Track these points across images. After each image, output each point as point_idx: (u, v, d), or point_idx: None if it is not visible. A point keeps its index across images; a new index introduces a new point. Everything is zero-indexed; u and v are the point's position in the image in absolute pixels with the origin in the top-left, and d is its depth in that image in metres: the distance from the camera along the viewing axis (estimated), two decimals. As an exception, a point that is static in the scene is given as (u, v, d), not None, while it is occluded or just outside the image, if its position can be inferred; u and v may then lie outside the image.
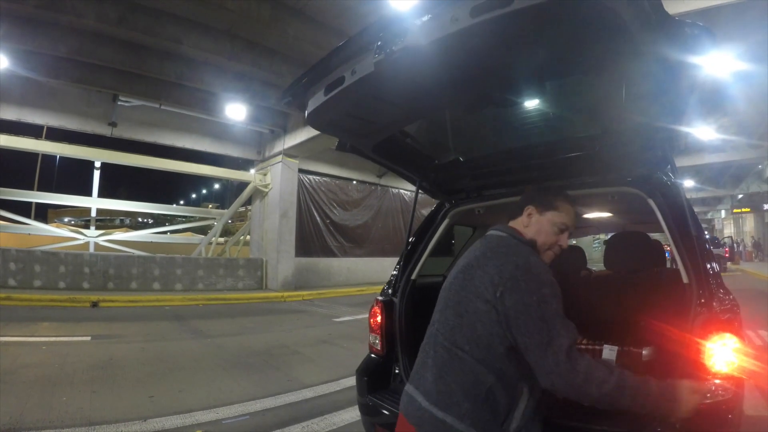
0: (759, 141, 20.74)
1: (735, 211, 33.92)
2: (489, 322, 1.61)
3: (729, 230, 45.29)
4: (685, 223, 2.39)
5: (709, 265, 2.31)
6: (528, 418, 1.66)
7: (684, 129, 2.50)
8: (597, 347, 2.68)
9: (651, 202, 2.56)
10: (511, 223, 1.94)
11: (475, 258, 1.78)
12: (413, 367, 1.87)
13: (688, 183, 33.32)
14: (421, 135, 3.00)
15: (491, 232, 1.91)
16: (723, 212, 44.12)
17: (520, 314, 1.56)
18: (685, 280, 2.29)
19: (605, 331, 2.90)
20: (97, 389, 5.04)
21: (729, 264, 27.10)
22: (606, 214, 4.46)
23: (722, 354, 1.96)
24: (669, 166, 2.67)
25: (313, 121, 2.32)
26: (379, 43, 1.76)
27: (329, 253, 19.67)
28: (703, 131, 18.68)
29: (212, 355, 7.00)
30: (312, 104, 2.18)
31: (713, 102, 15.50)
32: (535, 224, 1.89)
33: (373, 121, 2.42)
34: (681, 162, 24.94)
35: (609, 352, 2.60)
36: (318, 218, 19.25)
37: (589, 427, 2.29)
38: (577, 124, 2.93)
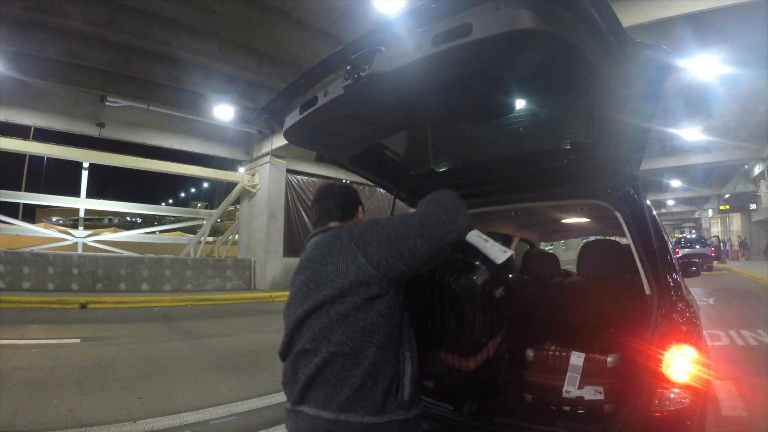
0: (745, 142, 20.93)
1: (721, 208, 34.17)
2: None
3: (716, 229, 45.58)
4: (648, 236, 2.49)
5: (670, 278, 2.42)
6: (416, 382, 1.70)
7: (655, 136, 2.58)
8: (565, 353, 2.77)
9: (617, 214, 2.67)
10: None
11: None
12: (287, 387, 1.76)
13: (676, 183, 33.61)
14: (398, 146, 3.08)
15: None
16: (710, 212, 44.38)
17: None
18: (647, 291, 2.40)
19: (575, 338, 3.00)
20: (87, 391, 5.10)
21: (715, 263, 27.38)
22: (581, 221, 4.60)
23: (680, 364, 2.07)
24: (635, 180, 2.74)
25: (290, 137, 2.40)
26: (348, 67, 1.82)
27: (317, 252, 19.46)
28: (689, 132, 18.86)
29: (200, 357, 7.06)
30: (288, 121, 2.27)
31: (699, 104, 15.67)
32: None
33: (348, 136, 2.50)
34: (668, 163, 25.06)
35: (576, 358, 2.68)
36: (306, 218, 19.05)
37: (530, 426, 2.43)
38: (548, 139, 3.02)
